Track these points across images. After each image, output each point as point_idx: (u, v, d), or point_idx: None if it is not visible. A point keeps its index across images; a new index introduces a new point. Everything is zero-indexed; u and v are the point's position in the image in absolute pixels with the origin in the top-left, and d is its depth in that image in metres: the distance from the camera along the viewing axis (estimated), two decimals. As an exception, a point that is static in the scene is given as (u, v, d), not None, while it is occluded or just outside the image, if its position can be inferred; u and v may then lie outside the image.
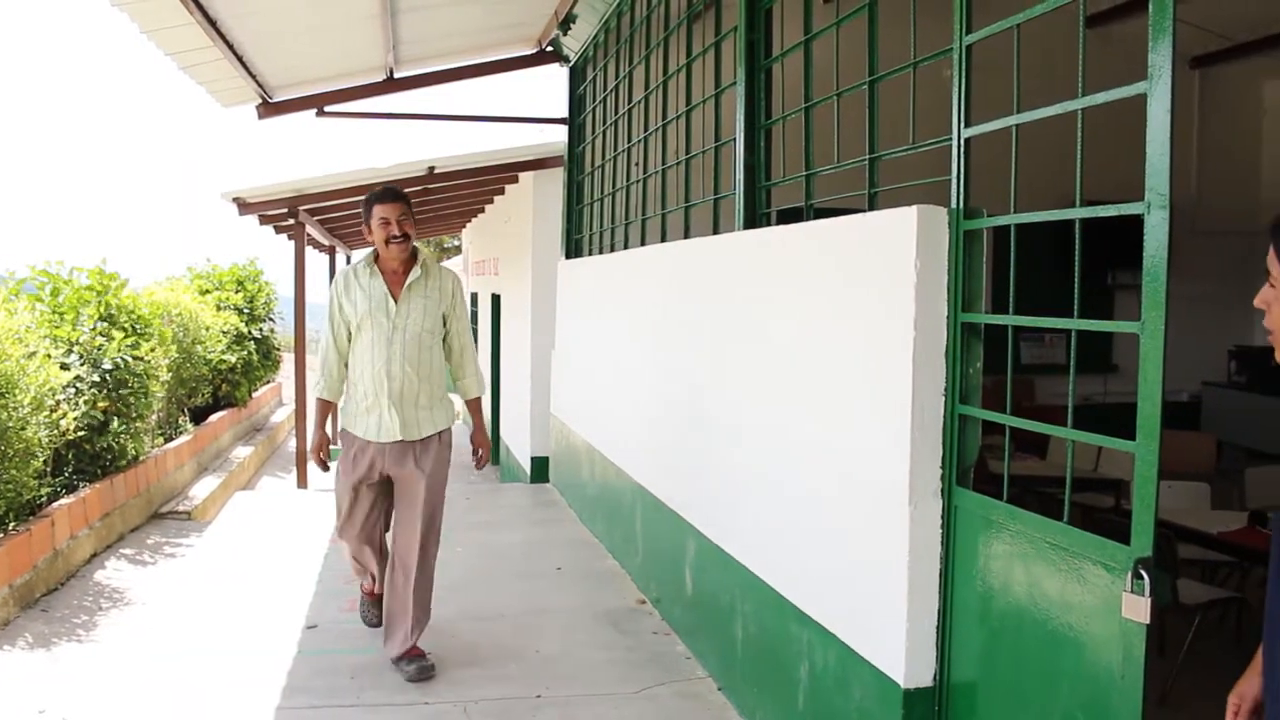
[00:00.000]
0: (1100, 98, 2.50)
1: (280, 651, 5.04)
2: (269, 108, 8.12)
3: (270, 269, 15.87)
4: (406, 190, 11.17)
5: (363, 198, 4.58)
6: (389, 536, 4.85)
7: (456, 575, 6.57)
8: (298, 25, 6.71)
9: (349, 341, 4.62)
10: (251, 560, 6.88)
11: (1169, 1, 2.27)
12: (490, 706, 4.44)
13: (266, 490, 11.86)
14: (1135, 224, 2.34)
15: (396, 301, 4.52)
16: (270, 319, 15.56)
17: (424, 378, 4.58)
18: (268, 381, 16.34)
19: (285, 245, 12.79)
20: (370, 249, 4.66)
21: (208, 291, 13.99)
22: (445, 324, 4.69)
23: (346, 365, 4.66)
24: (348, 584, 6.30)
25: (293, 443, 12.09)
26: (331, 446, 4.88)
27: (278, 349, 16.16)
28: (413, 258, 4.59)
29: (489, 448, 4.98)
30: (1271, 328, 1.64)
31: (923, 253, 3.00)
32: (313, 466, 4.62)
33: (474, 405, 4.99)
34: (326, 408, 4.80)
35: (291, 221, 11.41)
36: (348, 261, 19.13)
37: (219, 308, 13.55)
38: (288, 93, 8.18)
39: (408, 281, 4.54)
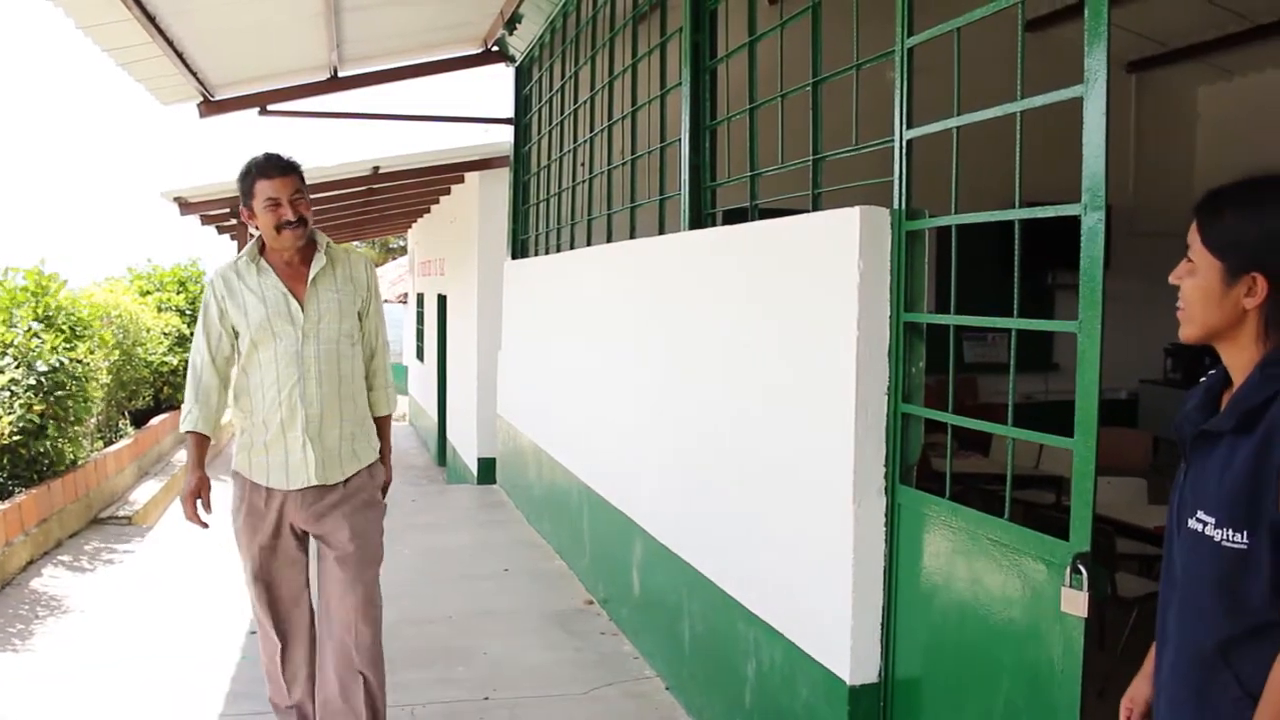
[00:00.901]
0: (1038, 101, 2.54)
1: (223, 657, 4.97)
2: (210, 106, 8.00)
3: (213, 270, 15.65)
4: (352, 190, 11.16)
5: (237, 178, 3.52)
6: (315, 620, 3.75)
7: (402, 578, 6.52)
8: (239, 23, 6.62)
9: (232, 358, 3.60)
10: (194, 565, 6.78)
11: (1104, 7, 2.31)
12: (438, 710, 4.41)
13: (210, 493, 11.65)
14: (1075, 225, 2.39)
15: (302, 302, 3.49)
16: (213, 320, 15.31)
17: (345, 396, 3.56)
18: (210, 384, 16.09)
19: (228, 245, 12.63)
20: (252, 241, 3.60)
21: (149, 292, 13.76)
22: (360, 323, 3.66)
23: (227, 389, 3.62)
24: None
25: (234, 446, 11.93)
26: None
27: (220, 351, 15.91)
28: (310, 244, 3.57)
29: (390, 480, 3.83)
30: (1183, 304, 1.67)
31: (866, 253, 3.03)
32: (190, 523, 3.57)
33: (383, 425, 3.81)
34: (203, 444, 3.59)
35: (234, 222, 11.26)
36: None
37: (160, 309, 13.34)
38: (230, 91, 8.07)
39: (311, 274, 3.52)
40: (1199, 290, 1.63)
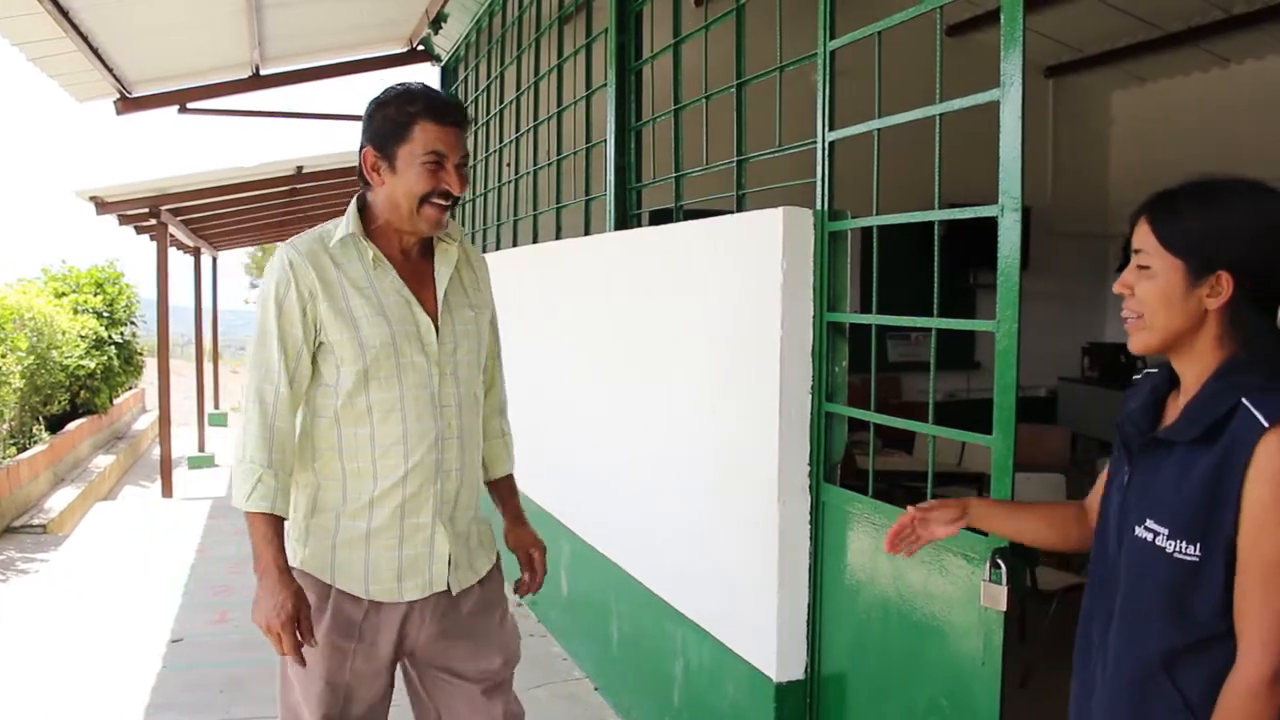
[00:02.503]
0: (956, 104, 2.58)
1: (144, 667, 4.87)
2: (128, 103, 7.83)
3: (131, 271, 15.34)
4: (275, 190, 10.99)
5: (379, 97, 2.31)
6: None
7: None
8: (157, 18, 6.49)
9: (316, 391, 2.31)
10: (112, 574, 6.63)
11: (1018, 13, 2.36)
12: (364, 716, 4.36)
13: (129, 500, 11.43)
14: (996, 226, 2.43)
15: (436, 318, 2.34)
16: (132, 322, 15.03)
17: (478, 461, 2.50)
18: (130, 387, 15.79)
19: (147, 246, 12.36)
20: (350, 209, 2.34)
21: (64, 294, 13.44)
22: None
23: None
24: (216, 595, 6.14)
25: (157, 450, 11.70)
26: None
27: (140, 353, 15.62)
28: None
29: (544, 553, 2.70)
30: (1137, 310, 1.62)
31: (789, 254, 3.05)
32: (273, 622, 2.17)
33: (508, 485, 2.72)
34: (276, 527, 2.23)
35: (153, 222, 11.02)
36: (214, 266, 18.54)
37: (76, 311, 13.04)
38: (148, 88, 7.91)
39: (442, 283, 2.37)
40: (1159, 294, 1.58)
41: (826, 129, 3.08)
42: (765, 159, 3.51)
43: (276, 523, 2.22)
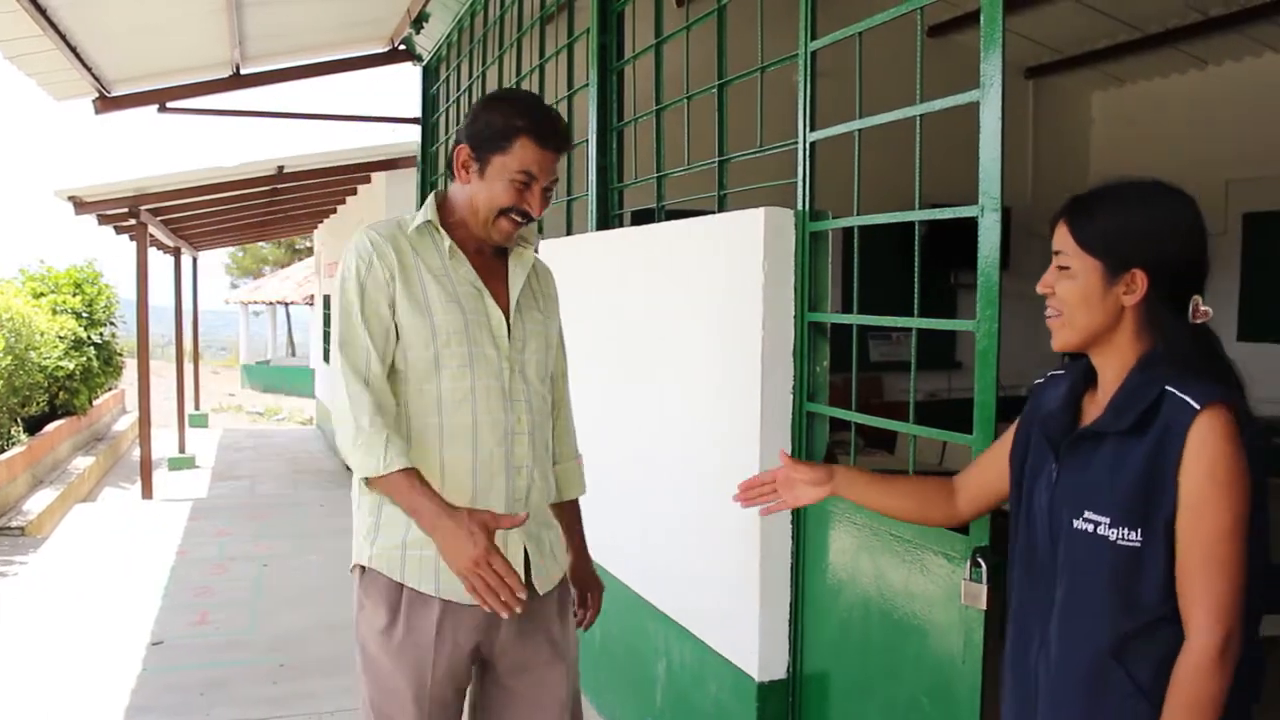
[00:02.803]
0: (937, 105, 2.59)
1: (124, 670, 4.84)
2: (106, 102, 7.77)
3: (110, 271, 15.24)
4: (255, 190, 10.94)
5: (491, 96, 2.33)
6: None
7: (311, 583, 6.44)
8: (136, 17, 6.44)
9: (395, 370, 2.25)
10: (92, 576, 6.60)
11: (998, 14, 2.37)
12: (347, 718, 4.35)
13: (109, 502, 11.36)
14: (976, 227, 2.44)
15: (507, 314, 2.33)
16: (111, 323, 14.93)
17: (546, 464, 2.46)
18: (110, 388, 15.68)
19: (126, 246, 12.28)
20: (430, 198, 2.35)
21: (42, 295, 13.35)
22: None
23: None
24: (196, 597, 6.11)
25: (137, 452, 11.63)
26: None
27: (120, 354, 15.50)
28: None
29: (601, 594, 2.70)
30: (1058, 309, 1.70)
31: (770, 254, 3.06)
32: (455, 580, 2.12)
33: (574, 511, 2.70)
34: (419, 476, 2.13)
35: (133, 222, 10.95)
36: (194, 266, 18.46)
37: (55, 312, 12.95)
38: (127, 87, 7.85)
39: (514, 273, 2.37)
40: (1078, 293, 1.66)
41: (808, 129, 3.08)
42: (747, 159, 3.52)
43: (409, 476, 2.11)
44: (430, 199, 2.32)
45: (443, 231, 2.28)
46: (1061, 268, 1.69)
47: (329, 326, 16.85)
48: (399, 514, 2.20)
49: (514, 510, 2.25)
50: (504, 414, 2.27)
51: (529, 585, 2.28)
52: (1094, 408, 1.69)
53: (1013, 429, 1.88)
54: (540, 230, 4.14)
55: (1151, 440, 1.54)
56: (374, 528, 2.25)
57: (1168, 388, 1.55)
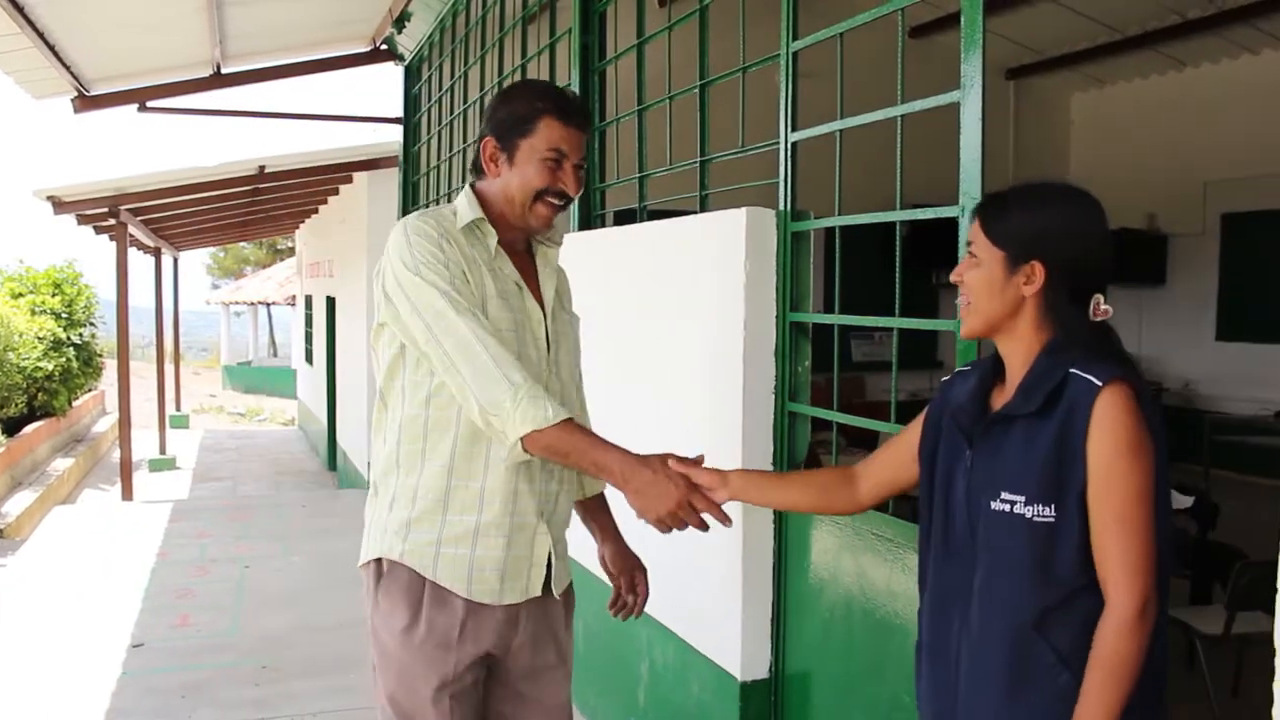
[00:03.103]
0: (918, 105, 2.60)
1: (104, 673, 4.81)
2: (86, 101, 7.73)
3: (90, 271, 15.16)
4: (237, 189, 10.91)
5: (507, 90, 2.32)
6: None
7: (293, 584, 6.42)
8: (116, 15, 6.41)
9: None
10: (71, 578, 6.56)
11: (978, 16, 2.38)
12: (331, 719, 4.34)
13: (88, 504, 11.30)
14: (957, 227, 2.45)
15: (546, 314, 2.30)
16: (91, 324, 14.85)
17: (575, 472, 2.41)
18: (89, 389, 15.60)
19: (106, 246, 12.21)
20: (465, 191, 2.28)
21: (21, 295, 13.28)
22: None
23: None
24: (177, 599, 6.08)
25: (117, 453, 11.57)
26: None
27: (100, 355, 15.43)
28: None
29: (646, 574, 2.61)
30: (967, 298, 1.80)
31: (752, 254, 3.07)
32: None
33: (601, 502, 2.64)
34: (582, 431, 2.13)
35: (113, 222, 10.89)
36: (175, 266, 18.36)
37: (34, 312, 12.89)
38: (107, 86, 7.80)
39: (544, 273, 2.35)
40: (983, 280, 1.76)
41: (789, 130, 3.09)
42: (729, 159, 3.52)
43: (571, 428, 2.05)
44: (468, 195, 2.26)
45: (489, 227, 2.23)
46: (972, 256, 1.79)
47: (310, 327, 16.83)
48: (435, 509, 2.17)
49: (544, 511, 2.25)
50: None
51: (547, 588, 2.29)
52: (1002, 397, 1.78)
53: (919, 422, 1.97)
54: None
55: (1059, 419, 1.63)
56: (407, 523, 2.19)
57: (1072, 369, 1.64)
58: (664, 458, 2.12)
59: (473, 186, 2.29)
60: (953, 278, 1.84)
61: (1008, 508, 1.68)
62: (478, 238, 2.22)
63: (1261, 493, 7.07)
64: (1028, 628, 1.66)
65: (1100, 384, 1.61)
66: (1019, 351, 1.76)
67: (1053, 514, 1.64)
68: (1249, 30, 8.34)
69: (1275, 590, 1.61)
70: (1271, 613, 1.62)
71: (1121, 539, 1.60)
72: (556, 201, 2.23)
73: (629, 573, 2.56)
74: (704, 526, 2.13)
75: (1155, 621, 1.61)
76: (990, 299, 1.76)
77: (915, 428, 1.98)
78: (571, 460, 2.11)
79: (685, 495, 2.08)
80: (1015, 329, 1.76)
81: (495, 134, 2.23)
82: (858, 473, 2.13)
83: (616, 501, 2.38)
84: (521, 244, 2.32)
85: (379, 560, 2.22)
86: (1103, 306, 1.71)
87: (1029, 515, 1.65)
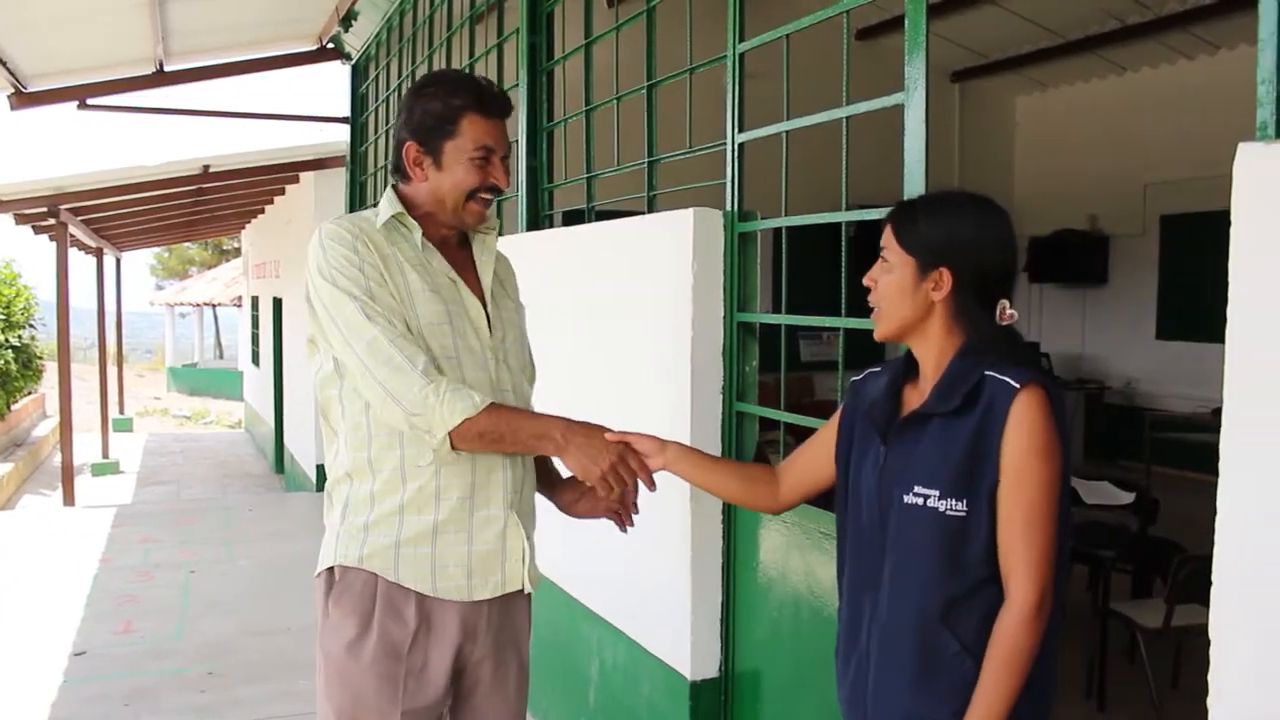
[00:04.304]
0: (863, 107, 2.63)
1: (45, 682, 4.73)
2: (23, 98, 7.58)
3: (29, 272, 14.87)
4: (181, 189, 10.76)
5: (419, 86, 2.21)
6: None
7: (239, 589, 6.34)
8: (55, 10, 6.29)
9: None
10: (11, 586, 6.44)
11: (921, 19, 2.40)
12: (275, 725, 4.30)
13: (28, 510, 11.08)
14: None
15: (486, 307, 2.26)
16: (30, 325, 14.56)
17: (533, 462, 2.36)
18: (29, 392, 15.29)
19: (46, 246, 11.98)
20: (388, 193, 2.22)
21: (-43, 297, 12.98)
22: None
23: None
24: (120, 605, 5.98)
25: (58, 458, 11.35)
26: None
27: (40, 357, 15.13)
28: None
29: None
30: (879, 302, 1.85)
31: (699, 254, 3.07)
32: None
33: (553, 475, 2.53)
34: (510, 410, 2.14)
35: (52, 221, 10.69)
36: (118, 267, 18.06)
37: (-30, 314, 12.60)
38: (45, 82, 7.67)
39: (482, 261, 2.30)
40: (894, 285, 1.81)
41: (736, 130, 3.10)
42: (677, 160, 3.53)
43: (499, 410, 2.06)
44: (389, 194, 2.21)
45: (413, 222, 2.18)
46: (884, 261, 1.84)
47: (256, 328, 16.64)
48: (392, 512, 2.12)
49: (512, 502, 2.20)
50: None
51: (521, 586, 2.24)
52: (915, 395, 1.84)
53: (834, 423, 2.02)
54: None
55: (976, 418, 1.69)
56: (364, 527, 2.13)
57: (987, 372, 1.70)
58: (601, 426, 2.17)
59: (395, 188, 2.23)
60: (866, 281, 1.89)
61: (921, 501, 1.73)
62: (401, 234, 2.17)
63: (1200, 488, 7.19)
64: (935, 618, 1.72)
65: (1018, 386, 1.66)
66: (931, 354, 1.81)
67: (965, 508, 1.70)
68: (1186, 36, 8.51)
69: (1211, 584, 1.65)
70: (1208, 605, 1.67)
71: (1026, 535, 1.66)
72: (488, 197, 2.20)
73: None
74: (651, 485, 2.20)
75: (1051, 615, 1.68)
76: (900, 304, 1.81)
77: (830, 428, 2.03)
78: (508, 440, 2.09)
79: (618, 458, 2.13)
80: (927, 332, 1.81)
81: (416, 138, 2.17)
82: (780, 472, 2.18)
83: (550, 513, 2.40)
84: (456, 238, 2.27)
85: (331, 570, 2.16)
86: (1009, 311, 1.77)
87: (942, 509, 1.71)
